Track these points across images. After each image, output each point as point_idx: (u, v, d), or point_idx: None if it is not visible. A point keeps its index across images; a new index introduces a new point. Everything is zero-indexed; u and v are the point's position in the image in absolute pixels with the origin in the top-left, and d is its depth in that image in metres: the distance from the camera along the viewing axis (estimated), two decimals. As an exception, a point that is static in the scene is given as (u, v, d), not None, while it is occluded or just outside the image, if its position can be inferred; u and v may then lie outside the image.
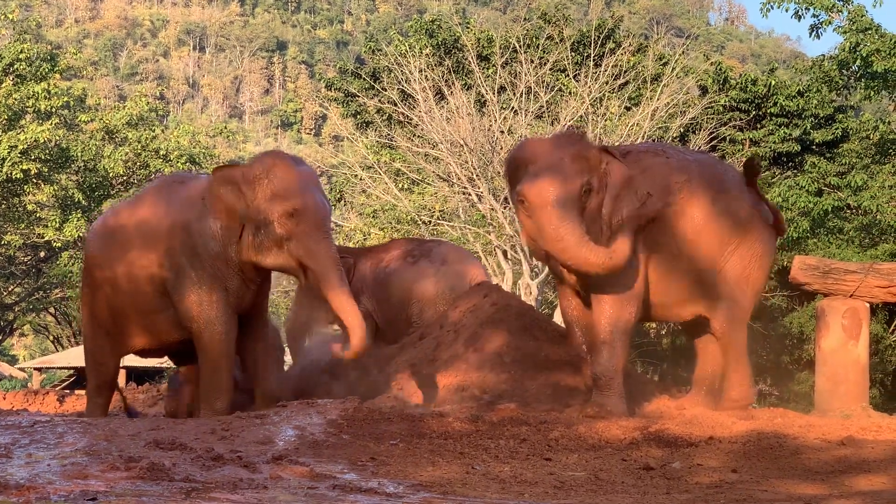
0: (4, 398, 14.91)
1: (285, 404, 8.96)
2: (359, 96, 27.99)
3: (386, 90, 25.06)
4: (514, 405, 9.07)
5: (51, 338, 39.85)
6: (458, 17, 35.19)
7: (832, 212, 23.18)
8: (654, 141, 22.10)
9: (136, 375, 26.64)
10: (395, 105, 24.31)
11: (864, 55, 19.89)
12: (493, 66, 24.50)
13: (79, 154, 28.01)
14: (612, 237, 8.94)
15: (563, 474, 6.85)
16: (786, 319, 22.68)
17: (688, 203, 9.42)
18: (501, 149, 21.80)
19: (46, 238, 28.20)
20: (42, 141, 26.03)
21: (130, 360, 25.25)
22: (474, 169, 22.16)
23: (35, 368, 32.26)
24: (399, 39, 28.88)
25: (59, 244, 28.57)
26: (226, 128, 40.35)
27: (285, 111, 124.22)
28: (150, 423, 8.02)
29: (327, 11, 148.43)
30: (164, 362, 18.79)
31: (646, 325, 26.15)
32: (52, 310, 34.44)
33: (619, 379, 9.18)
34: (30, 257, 31.89)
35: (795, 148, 25.89)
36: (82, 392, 14.05)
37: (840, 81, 22.06)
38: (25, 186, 26.89)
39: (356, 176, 24.98)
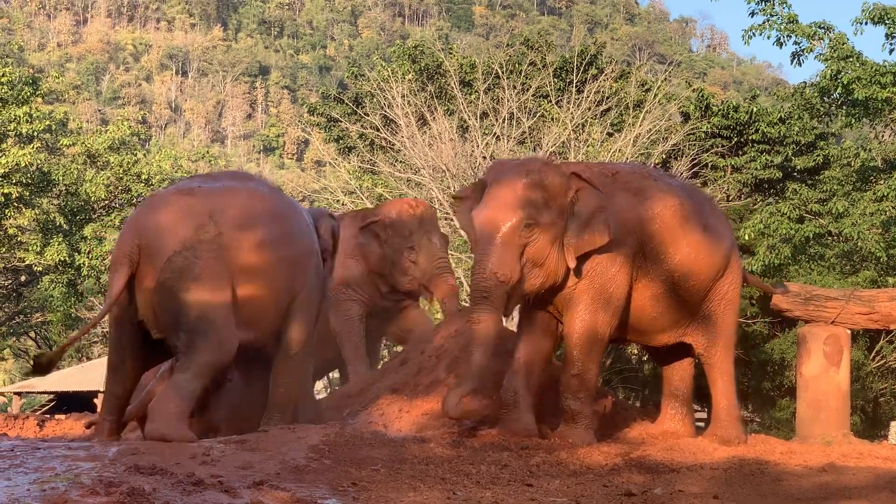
0: (-16, 423, 14.80)
1: (266, 429, 8.93)
2: (341, 121, 27.99)
3: (368, 115, 25.06)
4: (496, 430, 9.05)
5: (31, 362, 39.65)
6: (441, 42, 35.32)
7: (813, 238, 23.23)
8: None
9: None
10: (378, 130, 24.31)
11: (846, 83, 19.98)
12: (476, 91, 24.50)
13: (60, 178, 27.96)
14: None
15: (545, 500, 6.83)
16: (767, 346, 22.67)
17: (680, 229, 9.34)
18: (484, 174, 21.76)
19: (27, 262, 28.11)
20: (23, 165, 26.01)
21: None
22: (456, 194, 22.12)
23: (15, 393, 31.99)
24: (382, 65, 28.92)
25: (39, 268, 28.48)
26: (208, 152, 40.26)
27: (267, 136, 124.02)
28: (131, 448, 7.96)
29: (310, 37, 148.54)
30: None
31: (627, 351, 26.13)
32: (32, 334, 34.26)
33: (587, 411, 9.13)
34: (10, 281, 31.76)
35: (777, 174, 25.93)
36: (62, 417, 13.95)
37: (821, 109, 22.17)
38: (6, 210, 26.84)
39: (338, 201, 24.94)
